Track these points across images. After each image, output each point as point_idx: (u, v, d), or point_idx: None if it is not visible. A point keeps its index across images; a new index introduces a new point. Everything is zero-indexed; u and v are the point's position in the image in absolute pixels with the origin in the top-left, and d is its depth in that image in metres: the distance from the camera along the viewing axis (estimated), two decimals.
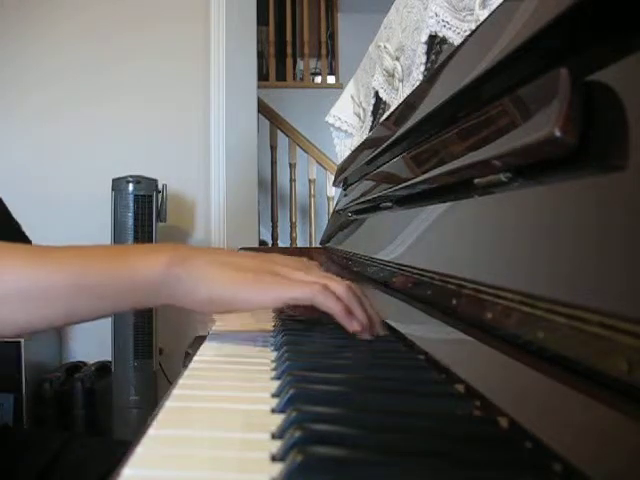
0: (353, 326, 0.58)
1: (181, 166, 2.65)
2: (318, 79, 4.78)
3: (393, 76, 1.02)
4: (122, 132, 2.65)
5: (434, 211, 0.62)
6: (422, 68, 0.86)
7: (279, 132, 3.72)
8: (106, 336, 2.25)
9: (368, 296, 0.62)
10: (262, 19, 3.88)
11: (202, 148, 2.69)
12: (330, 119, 1.47)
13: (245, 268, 0.56)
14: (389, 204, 0.82)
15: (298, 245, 3.70)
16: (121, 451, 0.32)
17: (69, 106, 2.64)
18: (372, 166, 1.01)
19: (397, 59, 0.99)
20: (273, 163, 3.75)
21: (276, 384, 0.45)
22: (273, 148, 3.73)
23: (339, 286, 0.58)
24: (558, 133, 0.35)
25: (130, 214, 2.27)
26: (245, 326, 0.74)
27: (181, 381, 0.48)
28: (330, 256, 1.32)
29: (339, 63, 4.93)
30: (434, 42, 0.83)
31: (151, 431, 0.36)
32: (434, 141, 0.66)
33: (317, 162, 3.64)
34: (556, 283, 0.34)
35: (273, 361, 0.54)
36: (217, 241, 2.65)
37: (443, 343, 0.50)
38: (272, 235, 3.72)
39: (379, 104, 1.17)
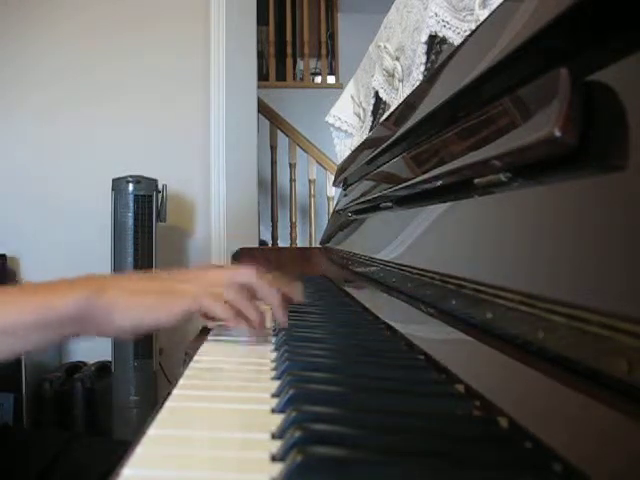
0: (239, 324, 0.62)
1: (181, 166, 2.65)
2: (318, 79, 4.77)
3: (393, 76, 1.02)
4: (122, 132, 2.65)
5: (434, 211, 0.62)
6: (422, 68, 0.86)
7: (279, 132, 3.71)
8: None
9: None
10: (262, 19, 3.88)
11: (202, 148, 2.69)
12: (330, 119, 1.47)
13: (149, 292, 0.62)
14: (389, 204, 0.82)
15: (298, 245, 3.70)
16: (121, 451, 0.32)
17: (69, 106, 2.64)
18: (372, 166, 1.01)
19: (397, 59, 0.99)
20: (273, 163, 3.74)
21: (276, 384, 0.45)
22: (273, 148, 3.73)
23: (228, 290, 0.63)
24: (558, 133, 0.35)
25: (130, 214, 2.26)
26: (245, 326, 0.74)
27: (181, 381, 0.48)
28: (330, 256, 1.32)
29: (339, 63, 4.93)
30: (434, 42, 0.83)
31: (151, 431, 0.36)
32: (434, 141, 0.66)
33: (317, 162, 3.64)
34: (556, 283, 0.34)
35: (273, 361, 0.54)
36: (217, 241, 2.65)
37: (443, 343, 0.50)
38: (272, 235, 3.72)
39: (379, 104, 1.17)
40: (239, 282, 0.64)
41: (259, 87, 3.03)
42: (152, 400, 2.22)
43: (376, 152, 0.91)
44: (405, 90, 0.95)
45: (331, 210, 3.18)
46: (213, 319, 0.65)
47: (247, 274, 0.66)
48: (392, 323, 0.64)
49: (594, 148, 0.34)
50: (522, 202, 0.42)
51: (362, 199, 0.99)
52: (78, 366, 2.44)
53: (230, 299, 0.63)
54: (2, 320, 0.59)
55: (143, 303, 0.60)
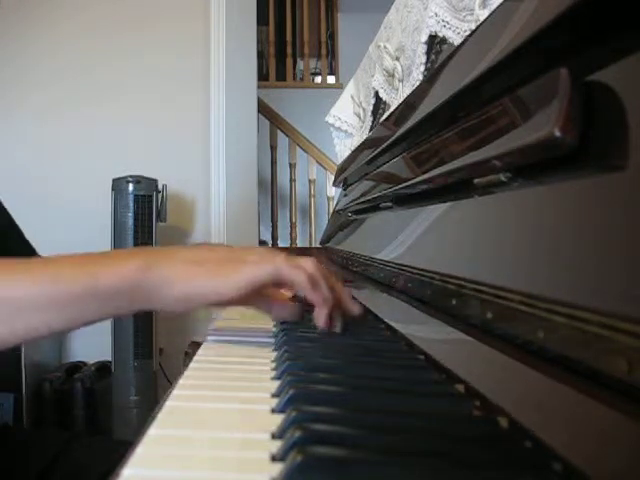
0: (316, 297, 0.58)
1: (181, 166, 2.65)
2: (318, 79, 4.78)
3: (393, 76, 1.02)
4: (122, 132, 2.65)
5: (434, 211, 0.62)
6: (422, 68, 0.86)
7: (279, 132, 3.71)
8: (106, 336, 2.25)
9: (338, 279, 0.64)
10: (262, 19, 3.88)
11: (202, 148, 2.69)
12: (330, 119, 1.47)
13: (209, 260, 0.57)
14: (389, 204, 0.82)
15: (298, 245, 3.70)
16: (121, 451, 0.32)
17: (69, 106, 2.64)
18: (372, 166, 1.01)
19: (397, 59, 0.99)
20: (273, 163, 3.75)
21: (276, 384, 0.45)
22: (273, 148, 3.73)
23: (305, 260, 0.59)
24: (558, 133, 0.35)
25: (130, 214, 2.27)
26: (245, 326, 0.74)
27: (181, 381, 0.48)
28: (330, 256, 1.32)
29: (339, 63, 4.93)
30: (434, 42, 0.83)
31: (151, 431, 0.36)
32: (434, 141, 0.66)
33: (317, 162, 3.64)
34: (556, 283, 0.34)
35: (273, 361, 0.54)
36: (217, 241, 2.65)
37: (443, 343, 0.50)
38: (272, 235, 3.72)
39: (379, 104, 1.17)
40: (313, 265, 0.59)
41: (259, 87, 3.03)
42: (152, 400, 2.22)
43: (376, 152, 0.91)
44: (405, 90, 0.95)
45: (331, 210, 3.18)
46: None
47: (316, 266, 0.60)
48: (392, 323, 0.64)
49: (594, 148, 0.34)
50: (522, 202, 0.42)
51: (362, 199, 0.99)
52: (78, 366, 2.44)
53: (308, 269, 0.58)
54: (46, 290, 0.54)
55: (201, 272, 0.55)
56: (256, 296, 0.60)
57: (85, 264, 0.56)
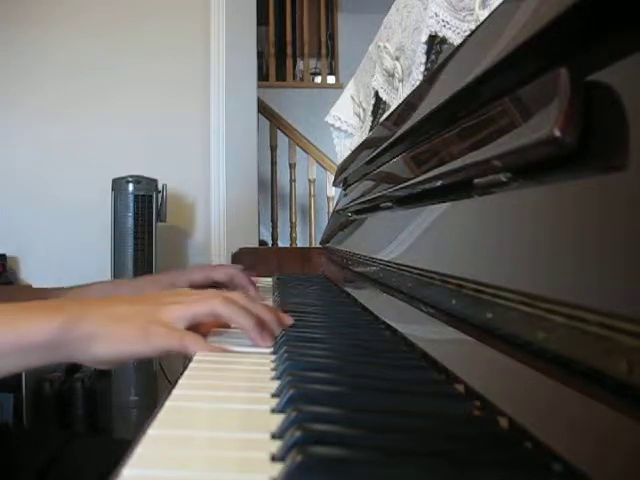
0: (266, 341, 0.60)
1: (181, 166, 2.65)
2: (318, 79, 4.77)
3: (393, 76, 1.02)
4: (122, 132, 2.65)
5: (434, 211, 0.62)
6: (422, 68, 0.86)
7: (279, 132, 3.71)
8: None
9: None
10: (262, 19, 3.88)
11: (202, 148, 2.69)
12: (330, 119, 1.47)
13: (128, 318, 0.58)
14: (389, 204, 0.82)
15: (298, 245, 3.70)
16: (121, 451, 0.32)
17: (69, 106, 2.64)
18: (372, 166, 1.01)
19: (397, 59, 0.99)
20: (273, 163, 3.74)
21: (276, 384, 0.45)
22: (273, 148, 3.73)
23: (239, 296, 0.62)
24: (558, 133, 0.35)
25: (130, 214, 2.27)
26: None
27: (181, 381, 0.48)
28: (330, 256, 1.32)
29: (339, 63, 4.93)
30: (434, 42, 0.83)
31: (151, 431, 0.36)
32: (434, 141, 0.66)
33: (317, 162, 3.64)
34: (556, 283, 0.34)
35: (273, 361, 0.54)
36: (217, 241, 2.65)
37: (443, 343, 0.50)
38: (272, 235, 3.72)
39: (379, 104, 1.17)
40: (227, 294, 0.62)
41: (259, 87, 3.03)
42: (152, 400, 2.22)
43: (376, 152, 0.91)
44: (405, 90, 0.95)
45: (331, 210, 3.18)
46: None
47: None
48: (392, 323, 0.64)
49: (594, 148, 0.34)
50: (522, 202, 0.42)
51: (362, 199, 0.99)
52: (78, 366, 2.44)
53: (248, 306, 0.60)
54: None
55: (122, 334, 0.56)
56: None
57: (10, 319, 0.58)
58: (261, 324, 0.61)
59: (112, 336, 0.56)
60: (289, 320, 0.66)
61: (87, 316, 0.57)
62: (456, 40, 0.72)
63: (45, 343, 0.56)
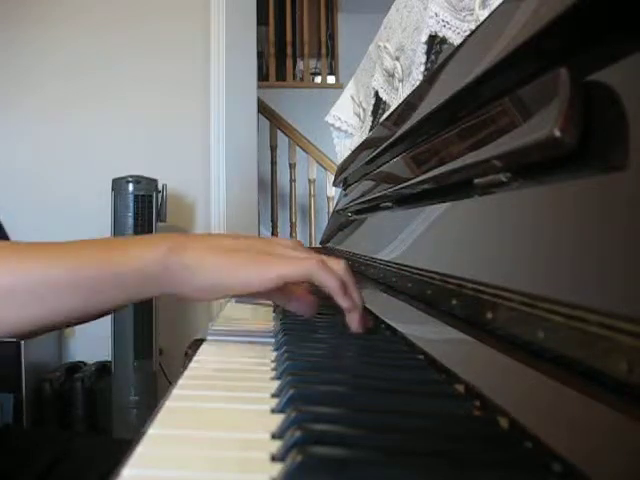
0: (347, 303, 0.57)
1: (181, 166, 2.65)
2: (318, 79, 4.77)
3: (393, 76, 1.02)
4: (122, 132, 2.65)
5: (434, 211, 0.62)
6: (422, 68, 0.86)
7: (279, 132, 3.71)
8: (106, 336, 2.25)
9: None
10: (262, 19, 3.88)
11: (202, 148, 2.69)
12: (330, 119, 1.47)
13: (241, 250, 0.55)
14: (389, 204, 0.82)
15: None
16: (121, 451, 0.32)
17: (69, 106, 2.64)
18: (372, 166, 1.01)
19: (397, 59, 0.99)
20: (273, 163, 3.74)
21: (276, 384, 0.45)
22: (273, 148, 3.73)
23: (337, 262, 0.58)
24: (558, 133, 0.35)
25: (130, 214, 2.27)
26: (245, 326, 0.74)
27: (181, 381, 0.48)
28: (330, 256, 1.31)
29: (339, 63, 4.93)
30: (434, 42, 0.83)
31: (151, 431, 0.36)
32: (434, 141, 0.66)
33: (317, 162, 3.64)
34: (556, 283, 0.34)
35: (273, 361, 0.54)
36: None
37: (443, 343, 0.50)
38: (272, 235, 3.72)
39: (379, 104, 1.17)
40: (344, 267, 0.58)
41: (259, 87, 3.03)
42: (152, 400, 2.22)
43: (376, 152, 0.91)
44: (405, 90, 0.95)
45: (331, 210, 3.18)
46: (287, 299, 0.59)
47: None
48: (392, 323, 0.64)
49: (594, 148, 0.34)
50: (522, 202, 0.42)
51: (362, 199, 0.99)
52: (78, 366, 2.45)
53: (340, 272, 0.56)
54: (70, 272, 0.52)
55: (231, 261, 0.53)
56: (277, 290, 0.57)
57: (105, 248, 0.55)
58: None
59: (217, 263, 0.53)
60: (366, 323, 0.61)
61: (189, 246, 0.54)
62: (456, 40, 0.72)
63: (141, 274, 0.53)
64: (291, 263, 0.55)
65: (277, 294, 0.60)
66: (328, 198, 3.55)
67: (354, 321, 0.59)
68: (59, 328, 0.56)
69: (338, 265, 0.58)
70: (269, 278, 0.53)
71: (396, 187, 0.74)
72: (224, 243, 0.56)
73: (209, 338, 0.66)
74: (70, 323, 0.57)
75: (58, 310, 0.54)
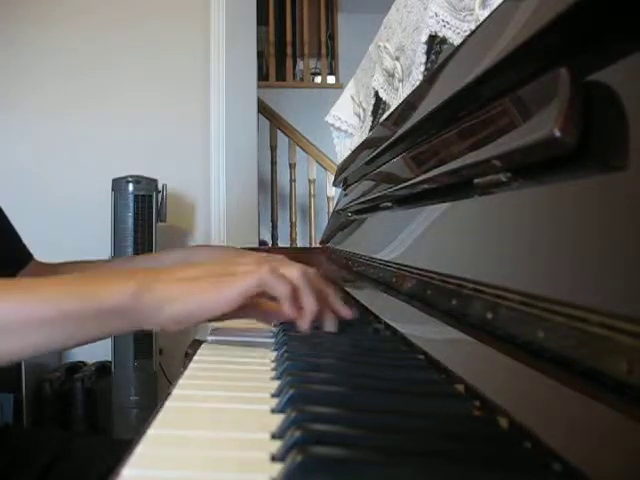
0: (292, 312, 0.59)
1: (181, 166, 2.65)
2: (318, 79, 4.77)
3: (393, 76, 1.02)
4: (122, 132, 2.65)
5: (434, 211, 0.62)
6: (422, 68, 0.86)
7: (279, 132, 3.71)
8: None
9: (331, 286, 0.64)
10: (262, 19, 3.88)
11: (202, 148, 2.69)
12: (330, 119, 1.47)
13: (201, 277, 0.58)
14: (389, 204, 0.82)
15: (298, 245, 3.70)
16: (121, 451, 0.32)
17: (69, 106, 2.64)
18: (372, 166, 1.01)
19: (397, 59, 0.99)
20: (273, 163, 3.74)
21: (276, 384, 0.45)
22: (273, 148, 3.73)
23: (290, 268, 0.60)
24: (558, 133, 0.35)
25: (130, 214, 2.27)
26: (245, 326, 0.74)
27: (181, 381, 0.48)
28: (330, 256, 1.32)
29: (339, 63, 4.93)
30: (434, 42, 0.83)
31: (151, 431, 0.36)
32: (434, 141, 0.66)
33: (317, 162, 3.64)
34: (556, 283, 0.34)
35: (273, 361, 0.54)
36: (217, 241, 2.65)
37: (443, 343, 0.50)
38: (272, 235, 3.72)
39: (379, 104, 1.16)
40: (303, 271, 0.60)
41: (259, 87, 3.03)
42: (152, 400, 2.22)
43: (376, 152, 0.91)
44: (405, 90, 0.95)
45: (331, 210, 3.18)
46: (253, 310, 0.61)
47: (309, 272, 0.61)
48: (392, 323, 0.64)
49: (594, 148, 0.34)
50: (522, 202, 0.42)
51: (362, 199, 0.99)
52: (78, 366, 2.44)
53: (294, 278, 0.59)
54: (42, 309, 0.55)
55: (194, 290, 0.56)
56: (249, 307, 0.60)
57: (87, 285, 0.58)
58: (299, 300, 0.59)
59: (185, 295, 0.56)
60: (344, 312, 0.64)
61: (157, 281, 0.57)
62: (456, 40, 0.72)
63: (116, 309, 0.56)
64: (245, 278, 0.57)
65: (252, 312, 0.63)
66: (328, 198, 3.55)
67: (302, 325, 0.60)
68: (39, 354, 0.59)
69: (291, 271, 0.60)
70: (230, 299, 0.56)
71: (396, 187, 0.74)
72: (187, 274, 0.59)
73: (209, 338, 0.66)
74: (50, 350, 0.60)
75: (36, 344, 0.57)
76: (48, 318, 0.56)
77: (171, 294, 0.56)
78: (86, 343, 0.59)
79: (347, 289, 0.99)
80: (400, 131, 0.76)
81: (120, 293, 0.56)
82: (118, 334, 0.60)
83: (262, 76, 4.13)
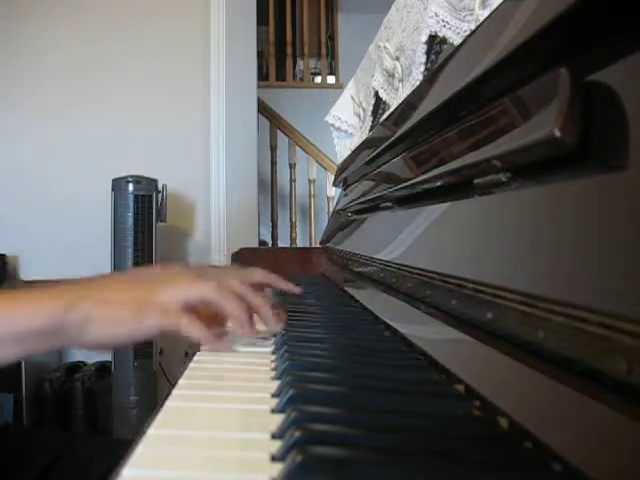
0: (251, 329, 0.61)
1: (181, 166, 2.65)
2: (318, 79, 4.77)
3: (393, 76, 1.02)
4: (122, 132, 2.65)
5: (434, 211, 0.62)
6: (422, 68, 0.86)
7: (279, 132, 3.71)
8: None
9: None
10: (262, 19, 3.88)
11: (202, 148, 2.69)
12: (330, 119, 1.47)
13: (125, 302, 0.59)
14: (389, 204, 0.82)
15: (298, 245, 3.70)
16: (121, 451, 0.32)
17: (69, 106, 2.64)
18: (372, 166, 1.01)
19: (397, 59, 0.99)
20: (273, 163, 3.74)
21: (276, 384, 0.45)
22: (273, 148, 3.72)
23: (235, 284, 0.62)
24: (558, 133, 0.35)
25: (130, 214, 2.27)
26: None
27: (181, 381, 0.48)
28: (330, 256, 1.32)
29: (339, 63, 4.93)
30: (434, 42, 0.83)
31: (151, 431, 0.36)
32: (434, 141, 0.66)
33: (317, 162, 3.64)
34: (556, 283, 0.34)
35: (273, 361, 0.54)
36: (217, 241, 2.65)
37: (443, 343, 0.50)
38: (272, 235, 3.72)
39: (379, 104, 1.16)
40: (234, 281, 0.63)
41: (259, 87, 3.03)
42: (152, 400, 2.22)
43: (376, 152, 0.91)
44: (405, 90, 0.95)
45: (331, 210, 3.18)
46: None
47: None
48: (392, 323, 0.64)
49: (594, 148, 0.34)
50: (522, 202, 0.42)
51: (362, 199, 0.99)
52: (78, 366, 2.44)
53: (236, 289, 0.61)
54: None
55: (116, 315, 0.58)
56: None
57: (6, 307, 0.59)
58: (251, 313, 0.62)
59: (106, 318, 0.57)
60: (282, 318, 0.66)
61: (81, 301, 0.58)
62: (456, 40, 0.72)
63: (41, 330, 0.57)
64: (167, 310, 0.58)
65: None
66: (328, 198, 3.55)
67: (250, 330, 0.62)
68: None
69: (232, 283, 0.62)
70: (147, 331, 0.58)
71: (396, 187, 0.74)
72: (114, 295, 0.60)
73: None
74: None
75: None
76: None
77: (92, 315, 0.57)
78: (19, 359, 0.60)
79: (347, 289, 0.99)
80: (400, 131, 0.76)
81: (43, 314, 0.57)
82: (41, 352, 0.61)
83: (262, 76, 4.12)
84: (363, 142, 1.10)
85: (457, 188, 0.55)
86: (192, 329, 0.57)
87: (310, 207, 3.66)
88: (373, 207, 0.94)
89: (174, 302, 0.59)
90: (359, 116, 1.31)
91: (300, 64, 4.85)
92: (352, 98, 1.36)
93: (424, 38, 0.82)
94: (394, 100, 1.02)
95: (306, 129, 3.67)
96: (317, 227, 3.60)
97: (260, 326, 0.72)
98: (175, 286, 0.61)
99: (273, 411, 0.39)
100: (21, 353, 0.60)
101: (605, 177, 0.32)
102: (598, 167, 0.33)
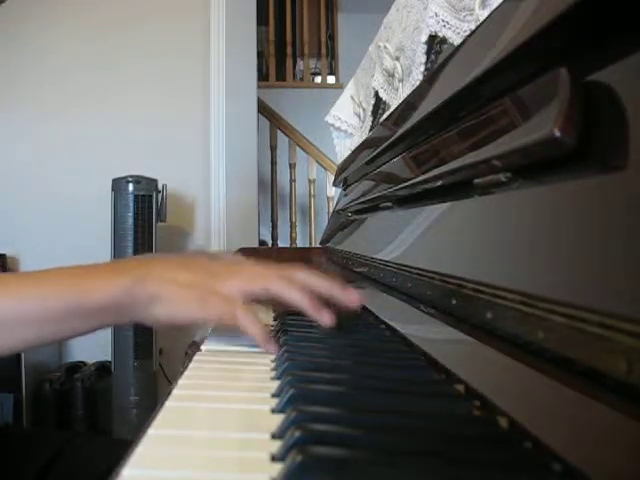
0: (325, 319, 0.60)
1: (181, 166, 2.65)
2: (318, 79, 4.77)
3: (393, 76, 1.02)
4: (122, 132, 2.65)
5: (434, 211, 0.62)
6: (422, 68, 0.86)
7: (279, 132, 3.71)
8: (106, 336, 2.25)
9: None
10: (262, 19, 3.88)
11: (202, 148, 2.69)
12: (330, 119, 1.47)
13: (192, 287, 0.59)
14: (389, 204, 0.82)
15: (298, 245, 3.70)
16: (121, 451, 0.32)
17: (69, 106, 2.64)
18: (372, 166, 1.01)
19: (397, 59, 0.99)
20: (273, 163, 3.74)
21: (276, 384, 0.45)
22: (273, 148, 3.72)
23: (300, 273, 0.61)
24: (558, 133, 0.35)
25: (130, 214, 2.27)
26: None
27: (181, 381, 0.48)
28: (330, 256, 1.32)
29: (339, 63, 4.93)
30: (434, 42, 0.83)
31: (151, 431, 0.36)
32: (434, 141, 0.66)
33: (317, 162, 3.64)
34: (556, 283, 0.34)
35: (273, 361, 0.54)
36: (217, 241, 2.65)
37: (443, 343, 0.50)
38: (272, 235, 3.72)
39: (379, 104, 1.16)
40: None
41: (259, 87, 3.03)
42: (152, 400, 2.22)
43: (376, 152, 0.91)
44: (405, 90, 0.95)
45: (331, 210, 3.18)
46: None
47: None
48: (392, 323, 0.64)
49: (594, 148, 0.34)
50: (522, 202, 0.42)
51: (362, 199, 0.99)
52: (78, 366, 2.44)
53: (307, 284, 0.60)
54: (34, 304, 0.57)
55: (183, 298, 0.58)
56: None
57: (72, 281, 0.59)
58: (319, 301, 0.60)
59: (173, 299, 0.58)
60: (353, 297, 0.63)
61: (150, 279, 0.58)
62: (456, 40, 0.72)
63: (108, 305, 0.57)
64: (232, 302, 0.58)
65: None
66: (328, 198, 3.55)
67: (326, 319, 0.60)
68: (32, 348, 0.61)
69: (302, 275, 0.61)
70: (209, 319, 0.60)
71: (396, 187, 0.74)
72: (179, 278, 0.59)
73: (209, 338, 0.66)
74: (43, 344, 0.61)
75: (27, 340, 0.59)
76: (34, 318, 0.57)
77: (160, 293, 0.57)
78: (80, 335, 0.60)
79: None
80: (400, 131, 0.76)
81: (114, 289, 0.57)
82: (110, 326, 0.61)
83: (262, 76, 4.13)
84: (363, 142, 1.10)
85: (457, 188, 0.55)
86: (250, 326, 0.57)
87: (310, 207, 3.66)
88: (373, 207, 0.94)
89: (238, 293, 0.59)
90: (359, 116, 1.31)
91: (300, 64, 4.85)
92: (352, 98, 1.36)
93: (424, 38, 0.82)
94: (394, 100, 1.02)
95: (306, 129, 3.67)
96: (317, 227, 3.60)
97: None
98: (240, 276, 0.61)
99: (273, 411, 0.39)
100: (85, 329, 0.60)
101: (605, 177, 0.32)
102: (598, 167, 0.33)
